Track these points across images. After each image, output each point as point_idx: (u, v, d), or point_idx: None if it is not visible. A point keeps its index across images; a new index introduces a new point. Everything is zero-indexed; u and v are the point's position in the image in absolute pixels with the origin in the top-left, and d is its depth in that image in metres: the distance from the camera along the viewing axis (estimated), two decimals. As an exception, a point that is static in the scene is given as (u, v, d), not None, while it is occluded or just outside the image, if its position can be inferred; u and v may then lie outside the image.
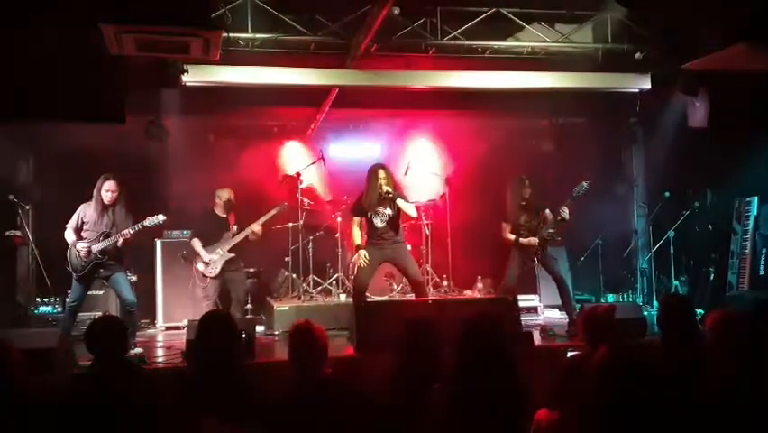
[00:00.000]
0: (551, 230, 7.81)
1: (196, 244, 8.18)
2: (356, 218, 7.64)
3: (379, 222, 7.48)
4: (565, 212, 7.70)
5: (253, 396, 3.96)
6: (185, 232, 9.14)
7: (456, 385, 3.20)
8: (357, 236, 7.56)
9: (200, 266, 8.14)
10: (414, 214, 7.61)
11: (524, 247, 7.85)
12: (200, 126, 9.92)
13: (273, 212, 8.48)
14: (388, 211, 7.45)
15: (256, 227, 8.21)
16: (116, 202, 7.24)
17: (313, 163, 10.00)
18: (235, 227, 8.23)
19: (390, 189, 7.37)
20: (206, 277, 8.12)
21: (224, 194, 8.33)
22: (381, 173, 7.44)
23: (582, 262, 10.31)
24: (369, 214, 7.50)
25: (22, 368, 3.09)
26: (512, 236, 7.91)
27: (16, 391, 2.92)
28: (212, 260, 8.06)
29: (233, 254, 8.16)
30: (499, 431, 3.10)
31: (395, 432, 3.63)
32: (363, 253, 7.42)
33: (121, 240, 7.15)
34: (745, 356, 3.23)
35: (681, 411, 2.07)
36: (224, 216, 8.31)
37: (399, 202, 7.39)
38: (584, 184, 7.72)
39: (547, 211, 7.89)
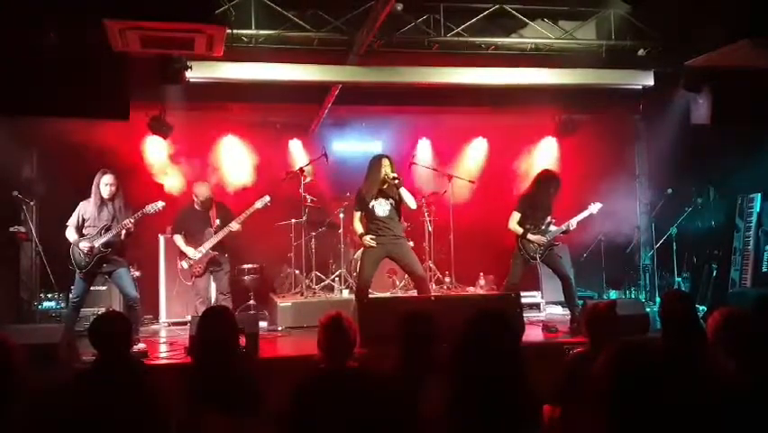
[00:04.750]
0: (553, 236, 7.88)
1: (179, 240, 8.12)
2: (357, 213, 7.63)
3: (380, 211, 7.46)
4: (573, 226, 7.93)
5: (256, 391, 3.98)
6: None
7: (460, 386, 3.20)
8: (359, 227, 7.58)
9: (184, 265, 8.08)
10: (413, 205, 7.57)
11: (529, 242, 7.84)
12: (203, 122, 9.92)
13: (256, 206, 8.24)
14: (391, 200, 7.45)
15: (235, 226, 8.06)
16: (115, 195, 7.26)
17: (315, 160, 10.01)
18: (218, 222, 8.11)
19: (396, 175, 7.39)
20: (192, 276, 8.08)
21: (201, 192, 8.17)
22: (385, 161, 7.47)
23: (585, 258, 10.32)
24: (370, 204, 7.48)
25: (23, 363, 3.09)
26: (519, 229, 7.87)
27: (17, 386, 2.93)
28: (197, 257, 8.01)
29: (216, 252, 8.09)
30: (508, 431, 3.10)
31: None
32: (369, 236, 7.44)
33: (123, 231, 7.18)
34: (747, 354, 3.23)
35: (683, 410, 2.08)
36: (204, 211, 8.20)
37: (402, 191, 7.38)
38: (598, 204, 8.01)
39: (549, 218, 7.90)
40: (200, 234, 8.10)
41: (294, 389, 3.60)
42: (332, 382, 3.62)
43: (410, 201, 7.46)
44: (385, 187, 7.45)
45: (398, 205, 7.50)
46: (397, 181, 7.38)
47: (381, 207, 7.47)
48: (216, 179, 9.70)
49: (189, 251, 8.01)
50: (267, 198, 8.30)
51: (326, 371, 3.68)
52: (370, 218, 7.54)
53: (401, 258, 7.64)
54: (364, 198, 7.51)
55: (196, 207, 8.21)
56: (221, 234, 8.05)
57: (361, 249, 9.65)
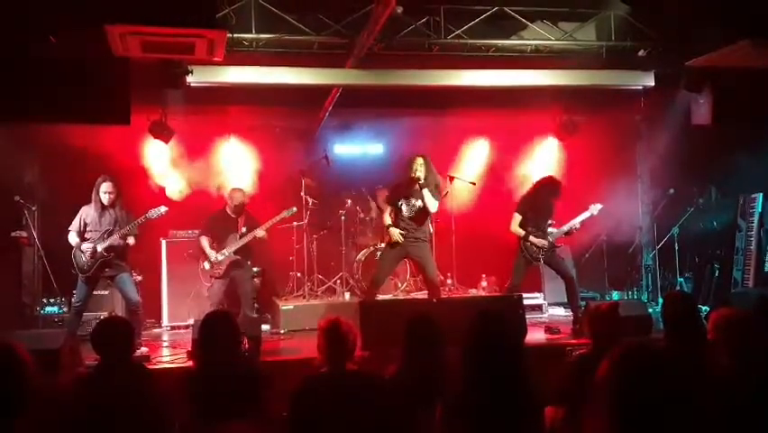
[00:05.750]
0: (555, 238, 7.85)
1: (204, 242, 8.17)
2: (388, 207, 7.81)
3: (406, 211, 7.61)
4: (576, 227, 7.93)
5: (259, 394, 3.98)
6: (190, 232, 9.17)
7: (463, 388, 3.20)
8: (388, 219, 7.71)
9: (206, 265, 8.15)
10: (432, 209, 7.64)
11: (531, 245, 7.81)
12: (205, 126, 9.92)
13: (283, 215, 8.41)
14: (418, 202, 7.54)
15: (260, 233, 8.14)
16: (115, 202, 7.29)
17: (317, 162, 10.01)
18: (244, 229, 8.17)
19: (421, 177, 7.43)
20: (212, 277, 8.13)
21: (237, 196, 8.27)
22: (419, 160, 7.57)
23: (587, 259, 10.31)
24: (399, 202, 7.61)
25: (33, 369, 3.10)
26: (521, 231, 7.84)
27: (28, 396, 2.93)
28: (218, 260, 8.05)
29: (238, 256, 8.12)
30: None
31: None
32: (396, 230, 7.55)
33: (132, 240, 7.25)
34: (748, 355, 3.23)
35: (686, 410, 2.08)
36: (234, 217, 8.26)
37: (424, 192, 7.44)
38: (598, 205, 7.98)
39: (551, 221, 7.88)
40: (225, 239, 8.15)
41: (294, 392, 3.61)
42: (331, 385, 3.64)
43: (431, 203, 7.54)
44: (415, 187, 7.51)
45: (425, 207, 7.56)
46: (421, 181, 7.43)
47: (407, 208, 7.63)
48: (218, 183, 9.69)
49: (212, 254, 8.06)
50: (294, 209, 8.53)
51: (325, 374, 3.69)
52: (396, 217, 7.69)
53: (420, 260, 7.78)
54: (392, 196, 7.76)
55: (228, 211, 8.28)
56: (245, 240, 8.11)
57: (364, 251, 9.74)
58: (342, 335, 3.76)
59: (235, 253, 8.10)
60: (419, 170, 7.50)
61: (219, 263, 8.05)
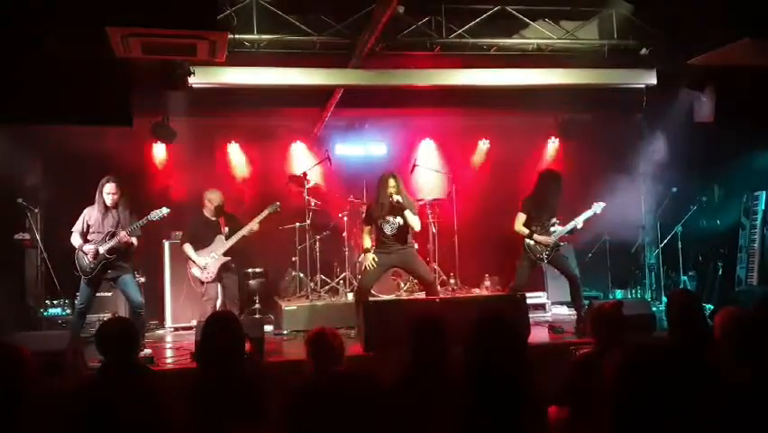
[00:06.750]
0: (558, 236, 7.82)
1: (189, 249, 8.00)
2: (366, 227, 7.78)
3: (388, 230, 7.58)
4: (579, 225, 7.86)
5: (263, 396, 3.98)
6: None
7: (466, 389, 3.20)
8: (367, 241, 7.70)
9: (195, 272, 8.00)
10: (417, 228, 7.65)
11: (536, 243, 7.77)
12: (207, 127, 9.93)
13: (267, 211, 8.23)
14: (398, 220, 7.53)
15: (255, 226, 8.04)
16: (118, 203, 7.29)
17: (319, 163, 10.00)
18: (227, 229, 8.04)
19: (400, 199, 7.41)
20: (203, 283, 8.01)
21: (215, 198, 8.08)
22: (391, 182, 7.52)
23: (590, 258, 10.29)
24: (378, 222, 7.59)
25: (34, 370, 3.10)
26: (525, 230, 7.80)
27: (27, 393, 2.94)
28: (207, 264, 7.92)
29: (228, 258, 8.01)
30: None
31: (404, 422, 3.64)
32: (371, 256, 7.53)
33: (135, 240, 7.26)
34: (754, 353, 3.22)
35: (690, 409, 2.08)
36: (214, 219, 8.12)
37: (406, 214, 7.44)
38: (601, 204, 7.93)
39: (554, 219, 7.85)
40: (210, 243, 8.01)
41: (286, 396, 3.62)
42: (320, 387, 3.64)
43: (415, 223, 7.54)
44: (392, 206, 7.50)
45: (407, 224, 7.55)
46: (401, 204, 7.42)
47: (389, 226, 7.60)
48: (220, 184, 9.67)
49: (200, 260, 7.91)
50: (277, 203, 8.35)
51: (314, 377, 3.74)
52: (378, 234, 7.68)
53: (407, 266, 7.82)
54: (371, 216, 7.68)
55: (206, 213, 8.11)
56: (235, 238, 7.99)
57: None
58: (329, 342, 3.83)
59: (224, 254, 7.99)
60: (393, 191, 7.48)
61: (209, 267, 7.92)
